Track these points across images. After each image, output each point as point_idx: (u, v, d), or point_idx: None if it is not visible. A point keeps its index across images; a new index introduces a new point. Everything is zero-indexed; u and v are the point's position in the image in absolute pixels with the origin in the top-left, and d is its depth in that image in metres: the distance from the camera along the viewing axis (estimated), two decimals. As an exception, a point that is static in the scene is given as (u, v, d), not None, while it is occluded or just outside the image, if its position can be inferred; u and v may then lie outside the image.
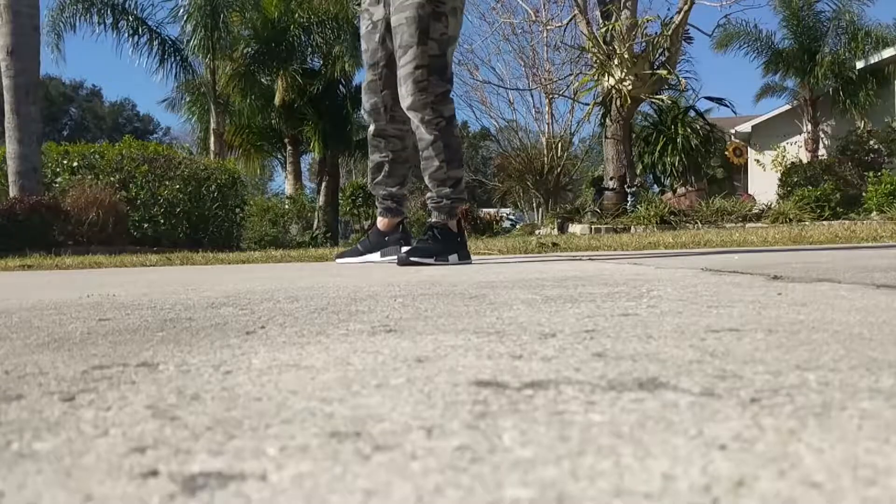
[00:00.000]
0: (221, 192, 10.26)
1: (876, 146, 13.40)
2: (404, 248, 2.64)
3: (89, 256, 5.62)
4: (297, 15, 15.52)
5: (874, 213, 10.26)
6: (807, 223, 8.43)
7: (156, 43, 15.04)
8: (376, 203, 2.97)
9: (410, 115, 2.65)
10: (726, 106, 12.57)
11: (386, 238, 2.94)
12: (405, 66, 2.59)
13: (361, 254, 2.98)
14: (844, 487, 0.25)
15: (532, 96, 20.28)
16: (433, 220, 2.74)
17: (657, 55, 11.47)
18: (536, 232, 12.15)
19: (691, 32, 12.24)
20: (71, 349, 0.67)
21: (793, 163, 14.02)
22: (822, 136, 16.00)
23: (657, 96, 11.51)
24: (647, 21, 11.61)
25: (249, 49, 15.87)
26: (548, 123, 19.89)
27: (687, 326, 0.68)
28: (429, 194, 2.76)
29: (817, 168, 13.04)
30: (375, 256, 2.92)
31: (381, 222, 2.96)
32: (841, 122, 15.16)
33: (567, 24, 13.41)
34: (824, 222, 8.48)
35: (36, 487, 0.28)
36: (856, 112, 14.73)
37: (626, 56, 11.14)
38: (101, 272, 3.31)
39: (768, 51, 16.18)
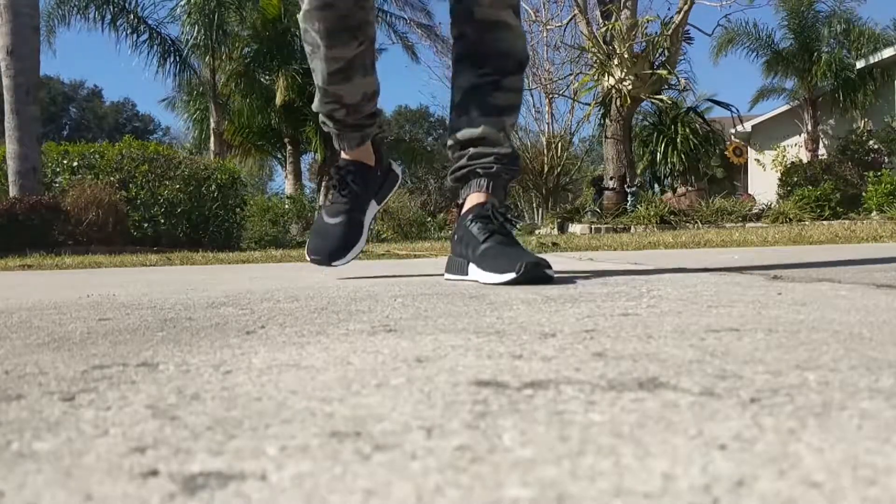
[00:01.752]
0: (221, 191, 10.26)
1: (876, 146, 13.40)
2: (523, 260, 1.32)
3: (89, 256, 5.62)
4: (297, 15, 15.51)
5: (874, 212, 10.26)
6: (807, 223, 8.43)
7: (156, 42, 15.03)
8: (340, 127, 1.72)
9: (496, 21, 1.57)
10: (731, 112, 12.56)
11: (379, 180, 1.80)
12: None
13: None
14: (844, 487, 0.25)
15: (532, 96, 20.31)
16: (489, 198, 1.55)
17: (657, 55, 11.47)
18: (536, 232, 12.15)
19: (691, 32, 12.25)
20: (71, 349, 0.67)
21: (793, 163, 14.02)
22: (822, 135, 16.00)
23: (657, 96, 11.51)
24: (647, 21, 11.62)
25: (249, 49, 15.87)
26: (548, 123, 19.91)
27: (687, 326, 0.68)
28: (477, 151, 1.59)
29: (817, 168, 13.04)
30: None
31: (364, 154, 1.77)
32: (841, 121, 15.16)
33: (567, 23, 13.42)
34: (824, 222, 8.48)
35: (36, 487, 0.28)
36: (856, 112, 14.73)
37: (626, 56, 11.14)
38: (101, 272, 3.32)
39: (768, 50, 16.18)
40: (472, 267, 1.46)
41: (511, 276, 1.30)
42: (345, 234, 1.71)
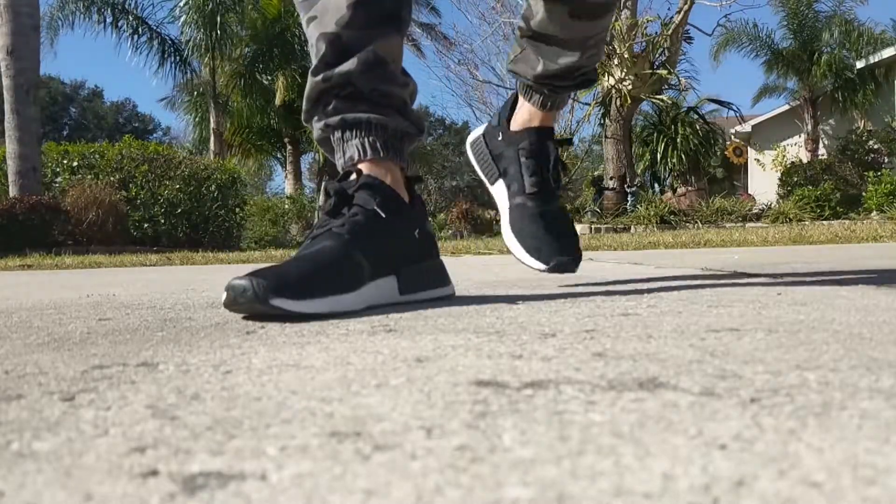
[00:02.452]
0: (221, 191, 10.26)
1: (876, 146, 13.40)
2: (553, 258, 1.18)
3: (89, 256, 5.62)
4: (296, 14, 15.52)
5: (874, 212, 10.27)
6: (807, 223, 8.44)
7: (156, 42, 15.04)
8: (348, 98, 1.04)
9: None
10: (733, 111, 12.57)
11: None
12: None
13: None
14: (844, 487, 0.25)
15: (532, 96, 20.25)
16: (548, 121, 1.29)
17: (657, 55, 11.47)
18: (536, 232, 12.11)
19: (691, 32, 12.25)
20: (71, 349, 0.67)
21: (793, 162, 14.02)
22: (822, 135, 16.00)
23: (657, 96, 11.51)
24: (647, 21, 11.61)
25: (249, 49, 15.88)
26: (548, 123, 19.85)
27: (687, 326, 0.68)
28: (557, 67, 1.22)
29: (817, 168, 13.04)
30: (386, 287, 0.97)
31: (390, 175, 1.02)
32: (841, 121, 15.17)
33: (567, 23, 13.38)
34: (824, 222, 8.49)
35: (36, 487, 0.28)
36: (856, 112, 14.73)
37: (626, 56, 11.14)
38: (101, 272, 3.32)
39: (768, 50, 16.18)
40: (506, 228, 1.26)
41: (542, 266, 1.18)
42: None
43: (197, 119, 17.53)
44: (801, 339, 0.58)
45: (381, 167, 1.02)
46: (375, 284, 0.93)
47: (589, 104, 12.50)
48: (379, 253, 0.94)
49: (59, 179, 9.51)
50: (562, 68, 1.22)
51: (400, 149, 1.06)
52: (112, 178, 9.30)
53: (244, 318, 0.88)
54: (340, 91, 1.04)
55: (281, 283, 0.81)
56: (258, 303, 0.79)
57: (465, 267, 2.39)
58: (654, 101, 11.70)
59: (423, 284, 1.02)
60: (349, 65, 1.03)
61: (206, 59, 15.08)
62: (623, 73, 11.25)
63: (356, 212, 0.95)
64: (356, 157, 1.03)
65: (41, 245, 7.13)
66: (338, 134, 1.05)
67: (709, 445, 0.30)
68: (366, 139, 1.03)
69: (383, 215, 0.96)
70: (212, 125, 15.51)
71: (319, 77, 1.04)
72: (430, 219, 1.09)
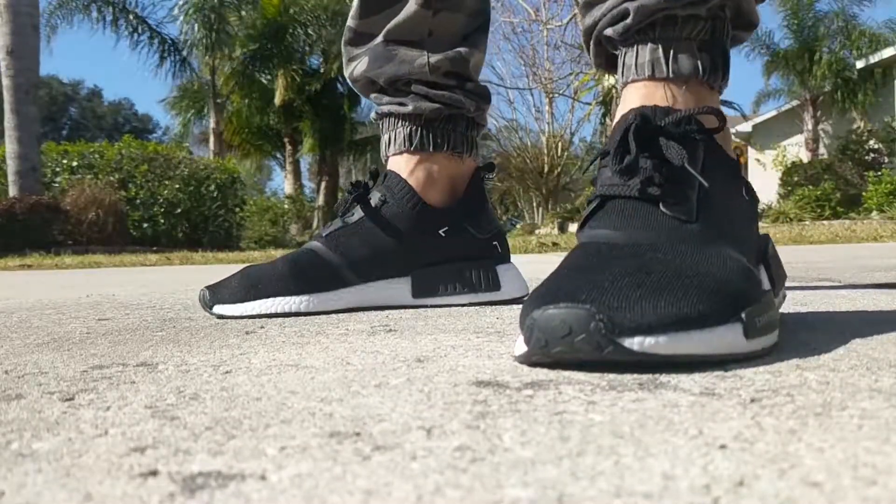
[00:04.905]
0: (221, 191, 10.26)
1: (876, 146, 13.39)
2: None
3: (89, 256, 5.62)
4: (292, 11, 15.49)
5: (874, 212, 10.27)
6: (807, 223, 8.44)
7: (155, 42, 15.03)
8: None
9: None
10: (735, 109, 12.59)
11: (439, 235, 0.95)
12: None
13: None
14: (844, 487, 0.25)
15: (532, 95, 20.32)
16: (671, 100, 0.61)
17: (657, 54, 11.47)
18: (536, 232, 12.14)
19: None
20: (70, 349, 0.67)
21: (793, 162, 14.01)
22: (823, 135, 15.98)
23: (657, 96, 11.51)
24: (647, 20, 11.61)
25: (248, 49, 15.88)
26: (548, 123, 19.89)
27: (687, 326, 0.67)
28: None
29: (818, 167, 13.03)
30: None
31: (398, 163, 0.96)
32: (841, 121, 15.15)
33: (567, 22, 13.42)
34: (824, 222, 8.49)
35: (35, 487, 0.28)
36: (856, 112, 14.71)
37: (625, 55, 11.14)
38: (101, 272, 3.32)
39: (767, 51, 16.17)
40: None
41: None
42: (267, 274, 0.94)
43: (187, 117, 17.42)
44: (801, 338, 0.58)
45: (410, 160, 0.96)
46: (376, 286, 0.95)
47: (589, 104, 12.51)
48: (374, 254, 0.93)
49: (58, 179, 9.51)
50: None
51: (440, 135, 0.96)
52: (111, 178, 9.31)
53: (243, 318, 0.88)
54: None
55: (220, 291, 0.92)
56: (208, 309, 0.92)
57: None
58: (654, 100, 11.69)
59: (446, 288, 0.96)
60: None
61: (206, 58, 15.07)
62: (623, 73, 11.25)
63: (353, 212, 0.96)
64: (383, 152, 1.01)
65: (41, 245, 7.14)
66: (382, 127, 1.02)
67: (709, 445, 0.30)
68: (391, 132, 0.98)
69: (384, 215, 0.93)
70: (211, 125, 15.50)
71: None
72: (490, 215, 1.01)
